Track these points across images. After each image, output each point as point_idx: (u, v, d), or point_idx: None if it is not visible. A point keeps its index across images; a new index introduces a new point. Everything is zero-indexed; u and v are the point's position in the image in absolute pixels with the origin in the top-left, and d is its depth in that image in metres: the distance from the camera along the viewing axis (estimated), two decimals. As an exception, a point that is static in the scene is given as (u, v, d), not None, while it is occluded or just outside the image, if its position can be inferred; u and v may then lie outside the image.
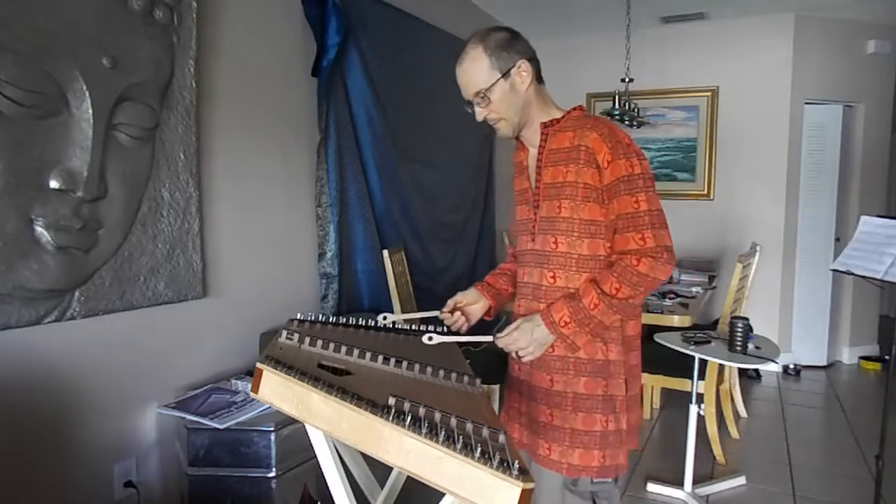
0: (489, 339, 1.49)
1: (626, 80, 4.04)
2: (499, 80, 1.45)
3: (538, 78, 1.52)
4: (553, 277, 1.50)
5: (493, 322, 1.93)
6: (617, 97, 3.88)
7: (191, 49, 2.20)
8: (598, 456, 1.48)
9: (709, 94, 4.96)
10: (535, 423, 1.56)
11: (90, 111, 1.84)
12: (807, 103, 4.80)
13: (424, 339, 1.47)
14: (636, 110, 4.04)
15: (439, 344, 1.48)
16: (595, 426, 1.48)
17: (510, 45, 1.46)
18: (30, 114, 1.71)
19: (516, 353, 1.49)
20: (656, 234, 1.41)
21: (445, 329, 1.56)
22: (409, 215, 3.63)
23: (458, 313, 1.63)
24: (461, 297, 1.66)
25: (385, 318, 1.58)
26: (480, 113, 1.49)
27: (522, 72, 1.46)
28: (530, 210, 1.57)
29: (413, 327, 1.61)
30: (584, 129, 1.45)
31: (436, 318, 1.64)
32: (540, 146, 1.53)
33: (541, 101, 1.53)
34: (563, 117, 1.52)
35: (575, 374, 1.49)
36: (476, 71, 1.45)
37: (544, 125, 1.52)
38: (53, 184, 1.78)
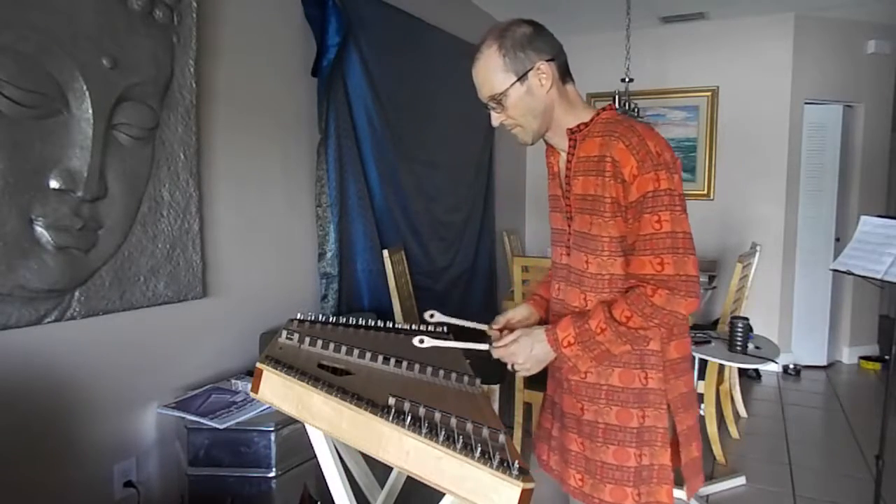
0: (485, 347, 1.42)
1: (626, 80, 4.04)
2: (514, 83, 1.31)
3: (564, 77, 1.37)
4: (585, 300, 1.37)
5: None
6: (617, 97, 3.88)
7: (191, 49, 2.20)
8: (631, 493, 1.35)
9: (709, 94, 4.96)
10: (566, 450, 1.46)
11: (90, 111, 1.84)
12: (807, 103, 4.80)
13: (415, 341, 1.39)
14: (636, 110, 4.04)
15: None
16: (629, 461, 1.35)
17: (529, 43, 1.31)
18: (30, 114, 1.71)
19: (511, 366, 1.39)
20: (677, 261, 1.25)
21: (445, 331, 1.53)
22: (409, 215, 3.63)
23: (505, 331, 1.47)
24: (512, 314, 1.54)
25: (432, 316, 1.50)
26: (496, 118, 1.38)
27: (541, 74, 1.32)
28: (564, 220, 1.44)
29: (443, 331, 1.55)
30: (611, 136, 1.30)
31: (483, 332, 1.53)
32: (569, 153, 1.40)
33: (566, 103, 1.37)
34: (591, 120, 1.37)
35: (606, 403, 1.36)
36: (489, 73, 1.32)
37: (571, 131, 1.38)
38: (53, 184, 1.77)
